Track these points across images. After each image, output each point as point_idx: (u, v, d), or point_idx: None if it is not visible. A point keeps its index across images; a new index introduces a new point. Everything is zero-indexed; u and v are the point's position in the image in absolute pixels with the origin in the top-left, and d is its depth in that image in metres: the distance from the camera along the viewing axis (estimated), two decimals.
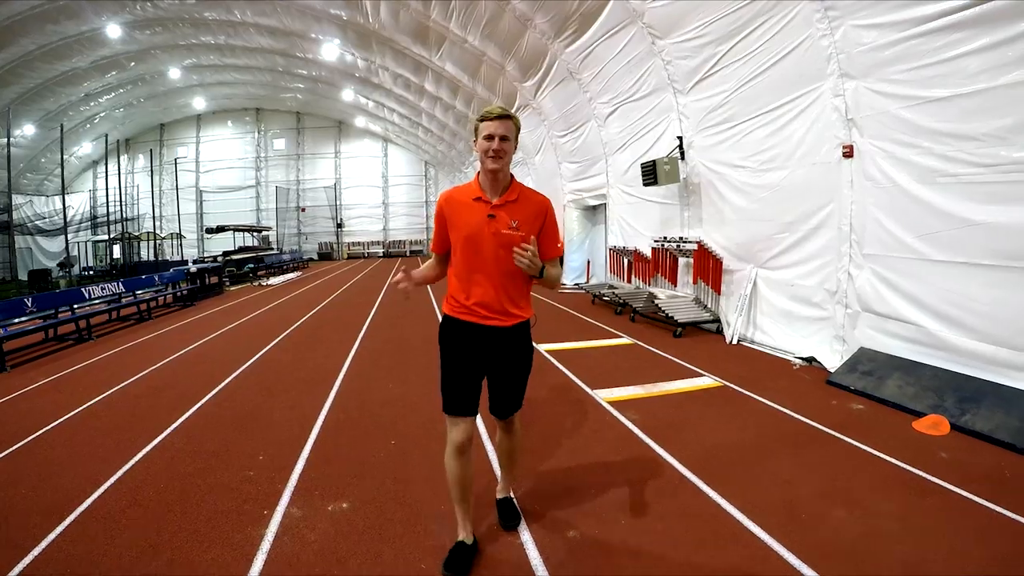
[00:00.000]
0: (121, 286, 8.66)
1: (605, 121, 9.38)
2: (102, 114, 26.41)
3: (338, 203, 30.98)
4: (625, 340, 6.20)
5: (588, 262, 11.40)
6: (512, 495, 2.52)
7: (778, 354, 5.43)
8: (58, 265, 19.12)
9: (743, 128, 6.03)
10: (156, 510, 2.61)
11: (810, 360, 5.09)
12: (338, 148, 30.92)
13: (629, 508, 2.51)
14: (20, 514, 2.60)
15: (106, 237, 26.15)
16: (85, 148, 28.58)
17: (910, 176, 4.31)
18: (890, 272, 4.51)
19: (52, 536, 2.39)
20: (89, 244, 27.31)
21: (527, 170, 14.60)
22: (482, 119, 2.02)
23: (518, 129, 2.06)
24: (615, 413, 3.80)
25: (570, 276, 11.91)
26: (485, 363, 2.12)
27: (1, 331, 6.14)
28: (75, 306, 7.62)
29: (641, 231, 8.63)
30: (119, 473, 3.03)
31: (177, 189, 25.32)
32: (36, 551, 2.28)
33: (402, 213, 31.21)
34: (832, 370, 4.72)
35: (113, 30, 17.64)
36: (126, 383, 5.01)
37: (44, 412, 4.19)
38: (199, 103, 27.91)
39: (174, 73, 23.05)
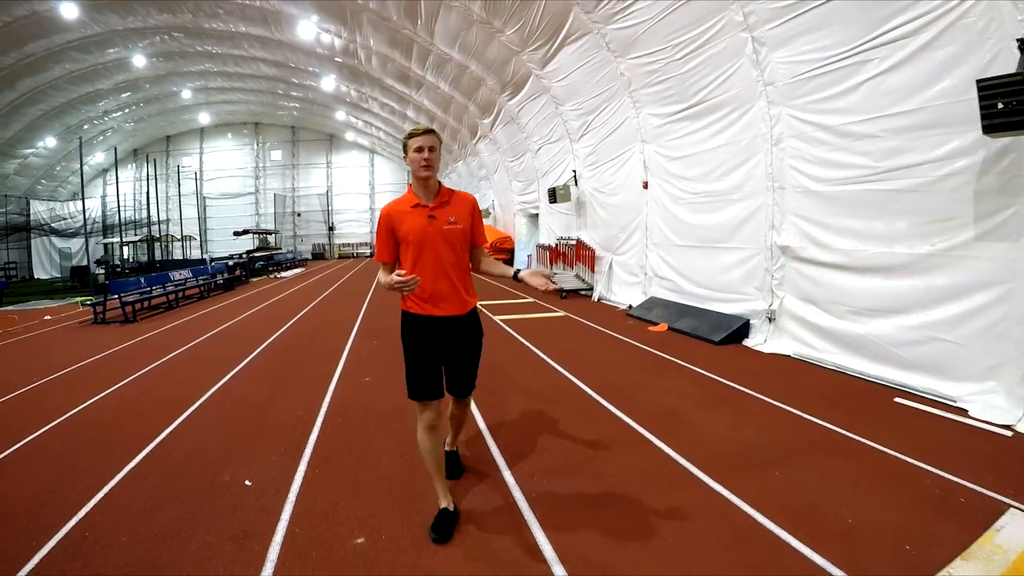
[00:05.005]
0: (190, 272, 12.10)
1: (536, 153, 13.08)
2: (114, 127, 29.45)
3: (330, 208, 34.31)
4: (529, 300, 9.87)
5: (529, 256, 15.09)
6: (456, 449, 3.02)
7: (615, 304, 9.15)
8: (95, 262, 22.31)
9: (603, 168, 9.75)
10: (290, 354, 6.17)
11: (630, 306, 8.79)
12: (329, 159, 34.21)
13: (507, 361, 6.10)
14: (219, 361, 6.13)
15: (117, 239, 29.14)
16: (97, 158, 31.50)
17: (670, 199, 8.00)
18: (663, 253, 8.22)
19: (240, 367, 5.95)
20: (102, 246, 30.11)
21: (490, 183, 18.27)
22: (410, 136, 2.22)
23: (441, 142, 2.30)
24: (503, 326, 7.46)
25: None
26: (445, 351, 2.39)
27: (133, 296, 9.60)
28: (166, 285, 11.07)
29: (557, 232, 12.35)
30: (269, 340, 6.61)
31: (198, 195, 28.66)
32: (231, 374, 5.83)
33: None
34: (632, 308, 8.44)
35: (139, 59, 20.72)
36: (234, 321, 8.57)
37: (186, 335, 7.65)
38: (204, 118, 30.98)
39: (185, 94, 26.15)
